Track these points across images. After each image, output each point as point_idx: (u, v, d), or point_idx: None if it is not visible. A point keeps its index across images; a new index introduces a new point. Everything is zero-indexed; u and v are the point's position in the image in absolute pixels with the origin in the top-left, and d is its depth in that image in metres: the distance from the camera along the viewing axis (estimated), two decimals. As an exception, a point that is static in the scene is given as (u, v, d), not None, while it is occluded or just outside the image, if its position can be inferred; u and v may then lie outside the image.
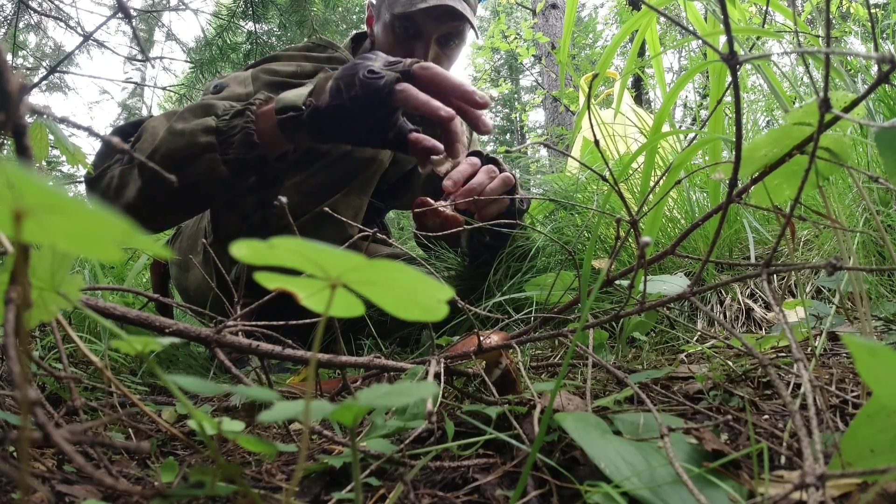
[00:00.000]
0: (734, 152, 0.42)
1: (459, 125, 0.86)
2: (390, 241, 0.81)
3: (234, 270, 1.17)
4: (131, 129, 1.11)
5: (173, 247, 1.43)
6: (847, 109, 0.43)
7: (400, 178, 1.48)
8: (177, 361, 1.18)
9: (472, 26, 1.30)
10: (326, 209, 0.79)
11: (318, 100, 0.87)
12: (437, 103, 0.82)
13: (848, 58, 1.62)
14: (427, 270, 0.56)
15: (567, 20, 1.15)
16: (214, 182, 0.94)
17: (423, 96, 0.83)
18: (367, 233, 0.67)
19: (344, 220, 0.73)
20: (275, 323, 0.63)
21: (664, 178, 0.77)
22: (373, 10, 1.40)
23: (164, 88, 4.74)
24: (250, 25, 3.62)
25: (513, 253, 1.23)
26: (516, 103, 15.18)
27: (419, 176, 1.49)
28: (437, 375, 0.52)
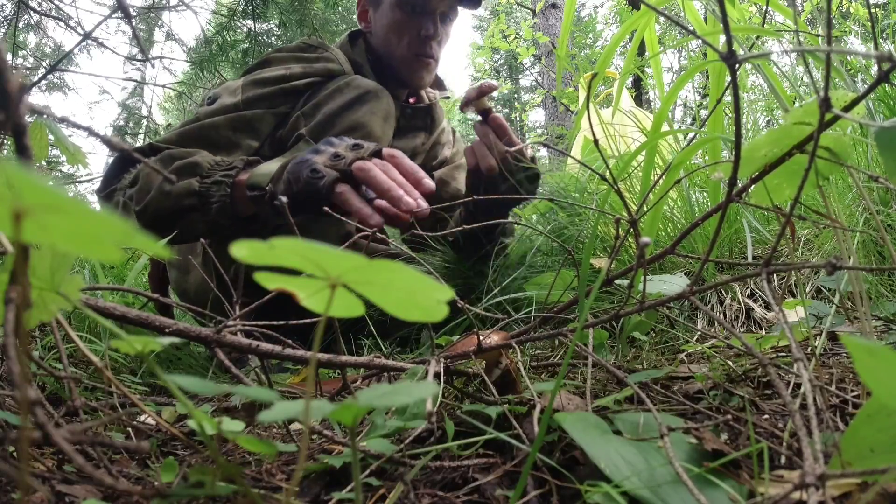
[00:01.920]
0: (734, 152, 0.42)
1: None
2: (389, 240, 0.81)
3: (233, 269, 1.18)
4: (127, 162, 1.19)
5: (172, 249, 1.44)
6: (847, 109, 0.43)
7: None
8: (177, 361, 1.18)
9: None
10: (328, 209, 0.79)
11: (275, 186, 0.96)
12: (368, 212, 0.88)
13: (848, 57, 1.62)
14: (426, 270, 0.56)
15: (565, 20, 1.15)
16: (195, 235, 1.07)
17: (356, 204, 0.89)
18: (366, 232, 0.68)
19: (342, 218, 0.74)
20: (275, 323, 0.63)
21: (664, 177, 0.77)
22: (367, 3, 1.42)
23: (163, 86, 4.75)
24: (250, 23, 3.62)
25: (509, 256, 1.23)
26: (516, 103, 15.19)
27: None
28: (436, 375, 0.52)
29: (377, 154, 0.94)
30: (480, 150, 1.16)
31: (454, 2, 1.35)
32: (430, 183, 0.91)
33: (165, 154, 1.12)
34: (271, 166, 0.99)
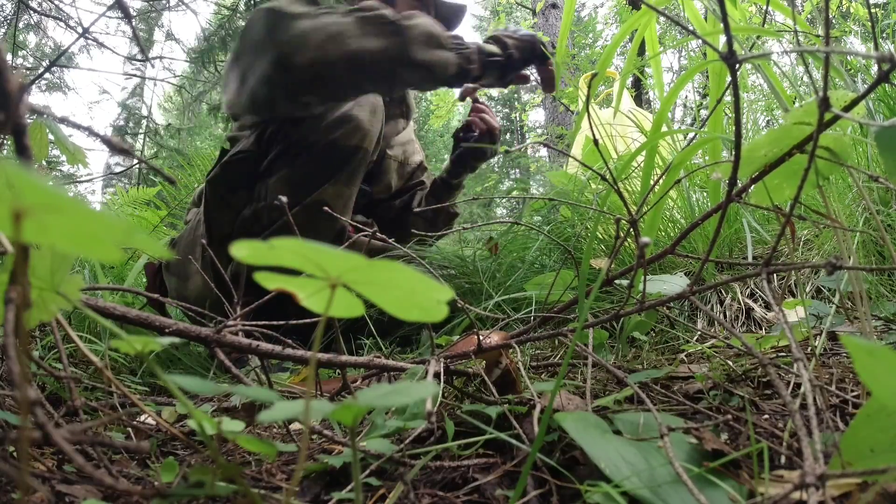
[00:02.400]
0: (734, 152, 0.42)
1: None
2: (389, 241, 0.81)
3: (231, 267, 1.18)
4: None
5: (172, 251, 1.45)
6: (847, 109, 0.43)
7: (374, 164, 1.53)
8: (177, 361, 1.18)
9: None
10: (327, 209, 0.80)
11: (517, 53, 1.26)
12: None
13: (848, 57, 1.62)
14: (426, 270, 0.56)
15: (564, 20, 1.15)
16: (440, 73, 1.20)
17: (552, 72, 1.31)
18: (366, 232, 0.68)
19: (336, 215, 0.75)
20: (275, 323, 0.63)
21: (664, 177, 0.77)
22: None
23: (164, 80, 4.74)
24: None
25: (502, 263, 1.23)
26: (516, 103, 15.18)
27: (391, 157, 1.64)
28: (436, 375, 0.52)
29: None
30: (485, 118, 1.61)
31: None
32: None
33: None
34: (486, 44, 1.27)
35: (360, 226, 0.90)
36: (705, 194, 1.25)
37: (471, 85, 1.39)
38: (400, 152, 1.68)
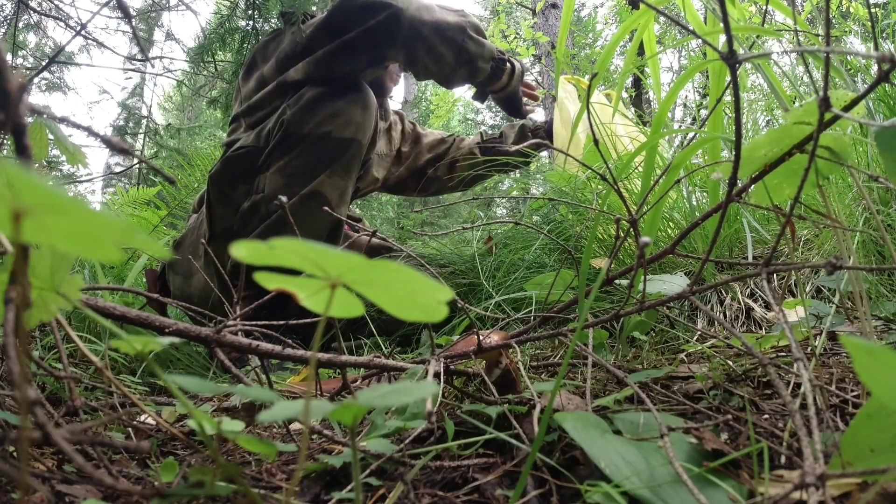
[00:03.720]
0: (734, 151, 0.42)
1: None
2: (388, 240, 0.81)
3: (231, 260, 1.20)
4: None
5: (177, 255, 1.46)
6: (847, 108, 0.43)
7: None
8: (177, 361, 1.18)
9: None
10: (326, 208, 0.80)
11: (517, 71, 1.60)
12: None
13: (848, 57, 1.62)
14: (427, 270, 0.56)
15: (564, 20, 1.15)
16: (474, 71, 1.43)
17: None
18: (367, 232, 0.68)
19: (331, 211, 0.76)
20: (275, 322, 0.63)
21: (663, 177, 0.77)
22: None
23: (163, 74, 4.73)
24: (251, 13, 3.60)
25: (502, 263, 1.23)
26: (516, 103, 15.14)
27: (373, 152, 1.70)
28: (436, 375, 0.52)
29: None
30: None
31: None
32: None
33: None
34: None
35: (357, 224, 0.91)
36: (705, 195, 1.25)
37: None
38: (379, 146, 1.75)
